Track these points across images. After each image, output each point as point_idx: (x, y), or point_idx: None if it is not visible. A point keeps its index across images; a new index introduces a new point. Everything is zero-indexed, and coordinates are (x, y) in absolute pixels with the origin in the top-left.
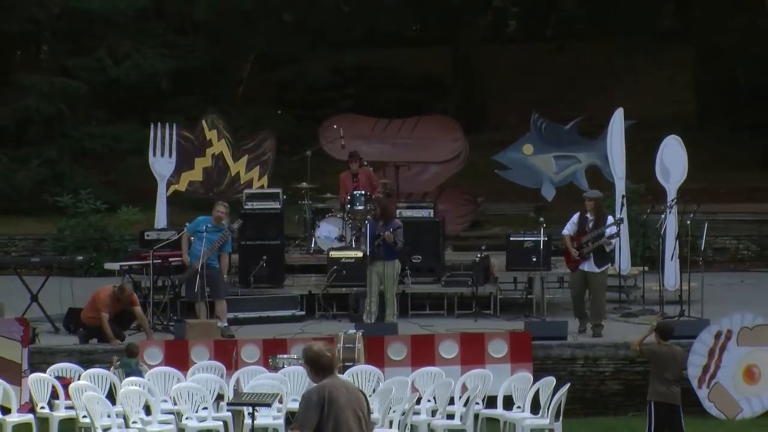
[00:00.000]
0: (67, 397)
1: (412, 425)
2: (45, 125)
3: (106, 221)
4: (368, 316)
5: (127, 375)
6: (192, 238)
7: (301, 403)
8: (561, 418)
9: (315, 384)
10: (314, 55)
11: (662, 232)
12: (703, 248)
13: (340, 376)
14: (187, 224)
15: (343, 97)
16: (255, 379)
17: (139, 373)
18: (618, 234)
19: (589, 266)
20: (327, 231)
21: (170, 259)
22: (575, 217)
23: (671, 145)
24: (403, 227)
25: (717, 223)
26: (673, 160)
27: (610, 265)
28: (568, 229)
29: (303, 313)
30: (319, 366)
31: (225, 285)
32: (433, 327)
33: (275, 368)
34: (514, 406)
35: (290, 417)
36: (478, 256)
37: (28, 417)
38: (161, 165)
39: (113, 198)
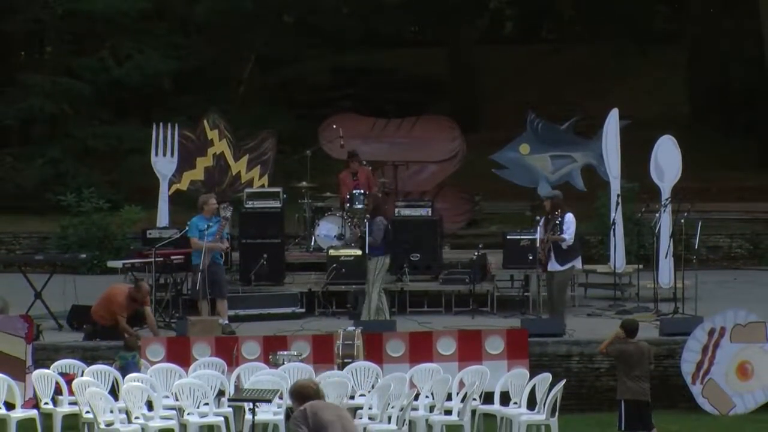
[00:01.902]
0: (71, 392)
1: (410, 421)
2: (49, 125)
3: (108, 220)
4: (375, 313)
5: (123, 368)
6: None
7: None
8: (557, 413)
9: None
10: (314, 56)
11: (656, 231)
12: (696, 246)
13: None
14: (187, 230)
15: (342, 97)
16: (255, 375)
17: (136, 367)
18: (560, 229)
19: (551, 265)
20: (326, 229)
21: (172, 257)
22: (541, 221)
23: (665, 144)
24: (385, 225)
25: (710, 221)
26: (667, 159)
27: (576, 263)
28: (538, 233)
29: (303, 310)
30: (303, 396)
31: (226, 283)
32: (431, 324)
33: (275, 365)
34: (511, 402)
35: (290, 413)
36: (476, 254)
37: (32, 412)
38: (163, 164)
39: (116, 197)
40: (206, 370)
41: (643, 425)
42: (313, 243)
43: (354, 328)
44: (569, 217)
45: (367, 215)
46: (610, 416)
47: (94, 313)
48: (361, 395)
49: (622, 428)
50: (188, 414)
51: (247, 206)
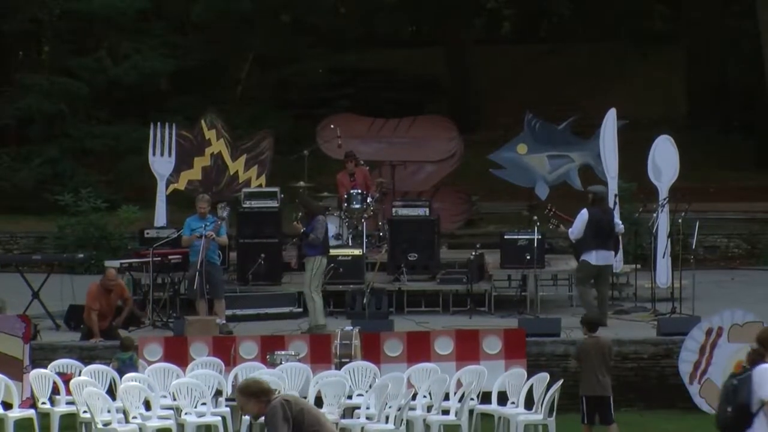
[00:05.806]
0: (68, 392)
1: (407, 421)
2: (46, 124)
3: (106, 219)
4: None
5: (120, 369)
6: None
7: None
8: (554, 413)
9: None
10: (312, 56)
11: (654, 231)
12: (694, 246)
13: None
14: (184, 229)
15: (340, 97)
16: (253, 375)
17: (134, 367)
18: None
19: None
20: None
21: (170, 257)
22: None
23: (663, 144)
24: (327, 225)
25: (708, 221)
26: (664, 159)
27: (587, 257)
28: None
29: (300, 310)
30: (261, 391)
31: (223, 283)
32: (429, 324)
33: (273, 364)
34: (509, 402)
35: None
36: (473, 254)
37: (30, 412)
38: (161, 164)
39: (113, 197)
40: (204, 370)
41: (602, 418)
42: None
43: (352, 327)
44: (580, 213)
45: (364, 216)
46: None
47: (84, 316)
48: (358, 395)
49: (584, 422)
50: (186, 414)
51: (244, 206)
